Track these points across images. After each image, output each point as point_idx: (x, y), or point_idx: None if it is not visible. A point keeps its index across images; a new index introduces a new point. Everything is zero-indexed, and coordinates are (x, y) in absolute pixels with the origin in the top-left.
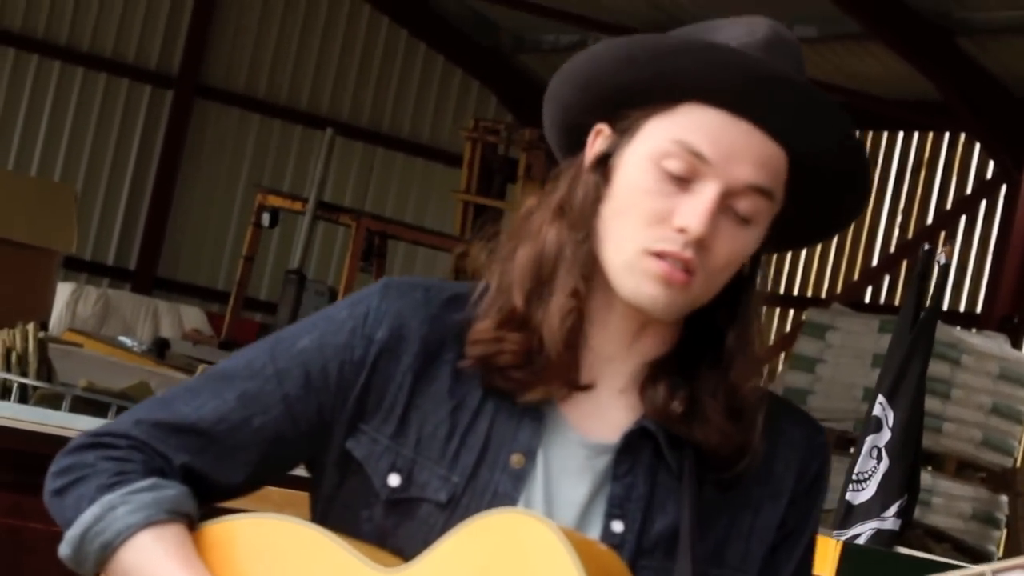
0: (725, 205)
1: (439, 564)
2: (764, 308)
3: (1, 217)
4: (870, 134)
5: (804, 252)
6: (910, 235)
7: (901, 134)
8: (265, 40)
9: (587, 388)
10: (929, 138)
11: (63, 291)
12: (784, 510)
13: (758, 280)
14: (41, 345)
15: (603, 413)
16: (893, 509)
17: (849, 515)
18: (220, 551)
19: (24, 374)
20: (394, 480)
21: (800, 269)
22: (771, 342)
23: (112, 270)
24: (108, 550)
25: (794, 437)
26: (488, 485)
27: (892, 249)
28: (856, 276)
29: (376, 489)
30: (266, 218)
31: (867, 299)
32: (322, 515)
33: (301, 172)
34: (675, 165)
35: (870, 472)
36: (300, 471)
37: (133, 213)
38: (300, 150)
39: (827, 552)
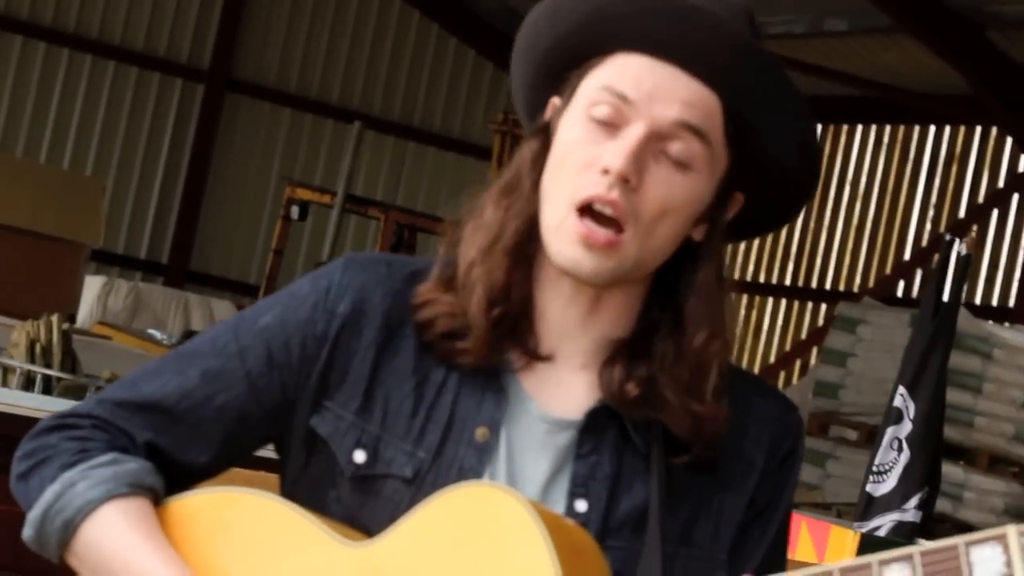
0: (657, 149)
1: (408, 537)
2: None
3: (29, 209)
4: (901, 128)
5: (836, 245)
6: (942, 229)
7: (932, 128)
8: (296, 34)
9: (546, 359)
10: (961, 132)
11: (94, 284)
12: (754, 489)
13: (719, 248)
14: (65, 336)
15: (564, 389)
16: (914, 501)
17: (870, 507)
18: (185, 526)
19: (48, 365)
20: (359, 456)
21: (832, 263)
22: (803, 336)
23: (144, 264)
24: (70, 528)
25: (765, 414)
26: (454, 460)
27: (924, 243)
28: (888, 270)
29: (342, 466)
30: (295, 211)
31: (899, 293)
32: (290, 495)
33: (333, 166)
34: (603, 111)
35: (891, 464)
36: (270, 452)
37: (165, 207)
38: (331, 144)
39: (845, 543)
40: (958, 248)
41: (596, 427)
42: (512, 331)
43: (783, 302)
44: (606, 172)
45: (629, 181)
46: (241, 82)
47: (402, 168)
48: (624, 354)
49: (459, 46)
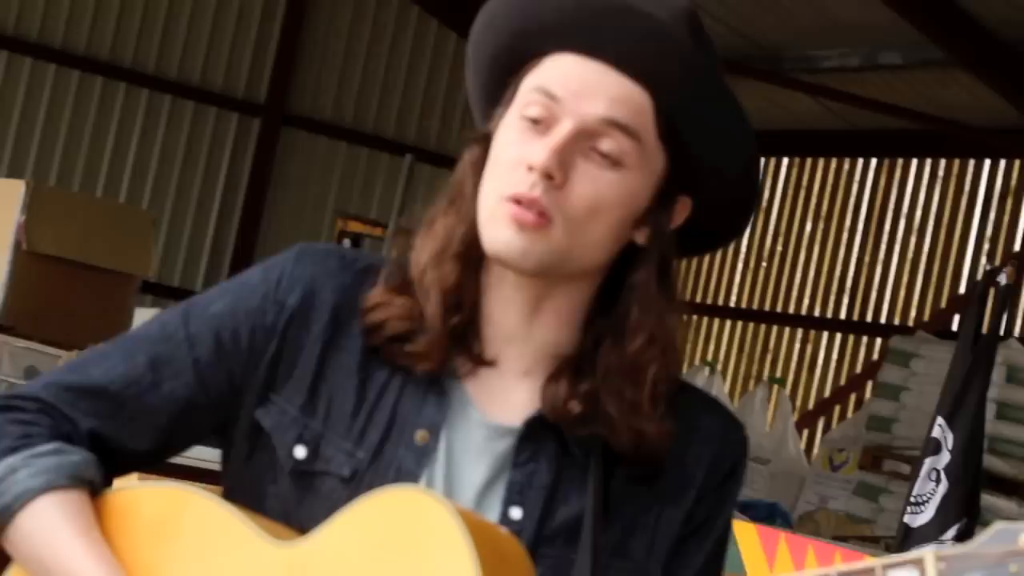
0: (587, 147)
1: (333, 539)
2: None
3: (80, 241)
4: (956, 162)
5: (891, 279)
6: (997, 263)
7: (988, 162)
8: (352, 68)
9: (490, 364)
10: (1016, 166)
11: (145, 316)
12: (691, 504)
13: (664, 254)
14: None
15: (507, 395)
16: (952, 532)
17: (907, 538)
18: (120, 519)
19: None
20: (300, 452)
21: (887, 296)
22: (857, 370)
23: None
24: (7, 513)
25: (710, 433)
26: (392, 462)
27: (979, 277)
28: (943, 304)
29: (282, 461)
30: (347, 244)
31: (953, 327)
32: (231, 489)
33: (387, 200)
34: (533, 111)
35: (928, 495)
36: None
37: (221, 240)
38: (387, 178)
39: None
40: (1000, 279)
41: (535, 436)
42: (461, 337)
43: (837, 336)
44: (531, 169)
45: (553, 178)
46: (297, 116)
47: None
48: (569, 369)
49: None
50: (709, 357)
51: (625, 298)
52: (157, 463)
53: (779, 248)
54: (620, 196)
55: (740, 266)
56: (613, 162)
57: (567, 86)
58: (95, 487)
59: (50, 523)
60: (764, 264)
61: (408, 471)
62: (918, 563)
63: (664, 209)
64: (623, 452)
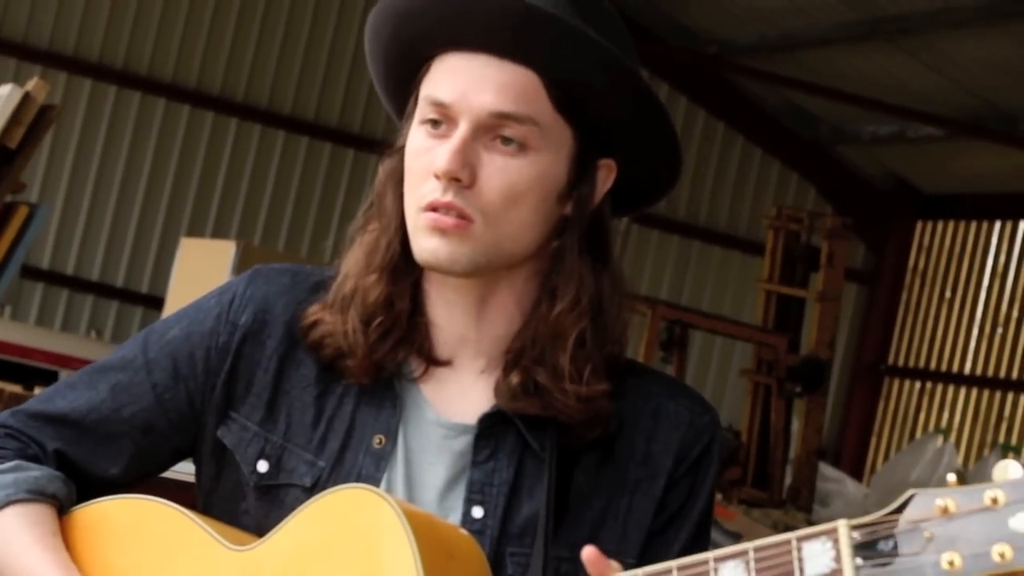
0: (487, 140)
1: (284, 541)
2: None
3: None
4: None
5: None
6: None
7: None
8: None
9: (445, 364)
10: None
11: None
12: (662, 492)
13: (594, 218)
14: None
15: (463, 394)
16: None
17: None
18: (86, 532)
19: None
20: (263, 466)
21: None
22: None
23: None
24: None
25: (677, 419)
26: (353, 468)
27: None
28: None
29: (246, 476)
30: None
31: None
32: (204, 508)
33: None
34: (430, 118)
35: None
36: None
37: None
38: None
39: None
40: None
41: (492, 432)
42: (405, 340)
43: None
44: (437, 177)
45: (460, 180)
46: None
47: (666, 262)
48: (524, 358)
49: (727, 132)
50: (943, 425)
51: (550, 268)
52: (129, 486)
53: (1015, 313)
54: (532, 179)
55: (976, 332)
56: (517, 148)
57: (453, 88)
58: (60, 501)
59: (9, 533)
60: (1000, 330)
61: (368, 475)
62: (831, 533)
63: (585, 178)
64: (578, 424)
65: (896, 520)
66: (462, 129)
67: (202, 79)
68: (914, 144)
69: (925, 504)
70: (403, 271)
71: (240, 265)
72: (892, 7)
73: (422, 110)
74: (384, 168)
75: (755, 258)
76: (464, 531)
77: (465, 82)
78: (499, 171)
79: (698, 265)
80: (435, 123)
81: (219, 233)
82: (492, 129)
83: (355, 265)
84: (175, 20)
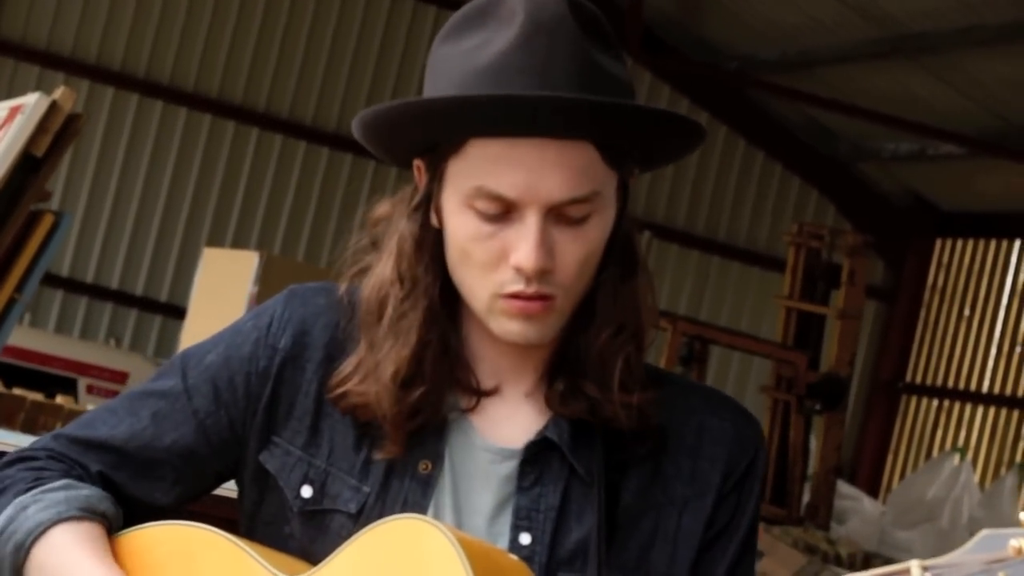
0: (554, 219)
1: (338, 570)
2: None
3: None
4: None
5: None
6: None
7: None
8: None
9: (491, 393)
10: None
11: None
12: (711, 509)
13: (626, 237)
14: None
15: (510, 417)
16: None
17: None
18: (134, 558)
19: None
20: (307, 491)
21: None
22: None
23: None
24: (21, 551)
25: (722, 434)
26: (399, 494)
27: None
28: None
29: (290, 502)
30: None
31: None
32: (247, 532)
33: None
34: (485, 207)
35: None
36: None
37: None
38: None
39: None
40: None
41: (538, 458)
42: (445, 384)
43: None
44: (520, 270)
45: (547, 271)
46: None
47: (685, 277)
48: (569, 370)
49: (747, 148)
50: (960, 443)
51: (593, 290)
52: (173, 513)
53: None
54: (599, 239)
55: (994, 350)
56: (585, 218)
57: (514, 184)
58: (109, 521)
59: (62, 551)
60: (1019, 348)
61: (415, 502)
62: (904, 573)
63: (624, 206)
64: (620, 429)
65: (970, 561)
66: (535, 222)
67: (224, 89)
68: (934, 162)
69: (998, 544)
70: (438, 321)
71: (263, 276)
72: (914, 25)
73: (470, 196)
74: (407, 237)
75: (774, 274)
76: (515, 557)
77: (527, 174)
78: (573, 246)
79: (717, 280)
80: (493, 216)
81: (239, 242)
82: (560, 209)
83: (382, 336)
84: (198, 30)
